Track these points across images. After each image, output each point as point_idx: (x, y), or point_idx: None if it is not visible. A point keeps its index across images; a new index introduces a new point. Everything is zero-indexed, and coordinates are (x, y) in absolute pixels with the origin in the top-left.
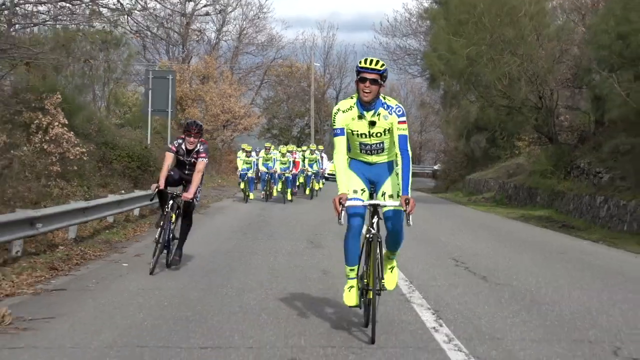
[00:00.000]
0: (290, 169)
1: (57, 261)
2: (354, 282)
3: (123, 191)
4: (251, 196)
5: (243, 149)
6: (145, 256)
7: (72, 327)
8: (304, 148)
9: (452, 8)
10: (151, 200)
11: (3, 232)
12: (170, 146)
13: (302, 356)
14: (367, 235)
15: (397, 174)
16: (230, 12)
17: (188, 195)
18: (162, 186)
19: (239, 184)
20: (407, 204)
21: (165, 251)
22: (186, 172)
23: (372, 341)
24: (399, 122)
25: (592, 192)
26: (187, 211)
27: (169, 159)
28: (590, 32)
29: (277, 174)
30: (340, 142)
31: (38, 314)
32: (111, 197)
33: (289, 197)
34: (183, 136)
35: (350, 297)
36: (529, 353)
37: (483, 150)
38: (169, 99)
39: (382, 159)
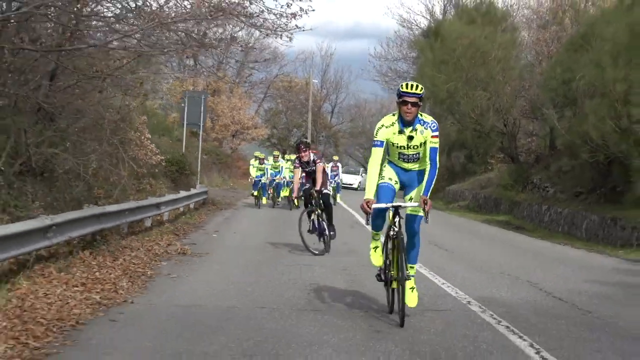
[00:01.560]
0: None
1: (175, 231)
2: (378, 243)
3: (183, 190)
4: (264, 201)
5: (256, 157)
6: (220, 232)
7: (220, 256)
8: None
9: (436, 50)
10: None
11: (143, 211)
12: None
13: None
14: (391, 233)
15: (425, 182)
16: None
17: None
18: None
19: (252, 192)
20: (425, 203)
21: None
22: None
23: (402, 324)
24: (432, 136)
25: (540, 202)
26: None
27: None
28: (543, 77)
29: (285, 181)
30: (377, 153)
31: (197, 252)
32: (183, 193)
33: (297, 203)
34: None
35: (376, 257)
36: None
37: (462, 165)
38: (201, 114)
39: (415, 166)
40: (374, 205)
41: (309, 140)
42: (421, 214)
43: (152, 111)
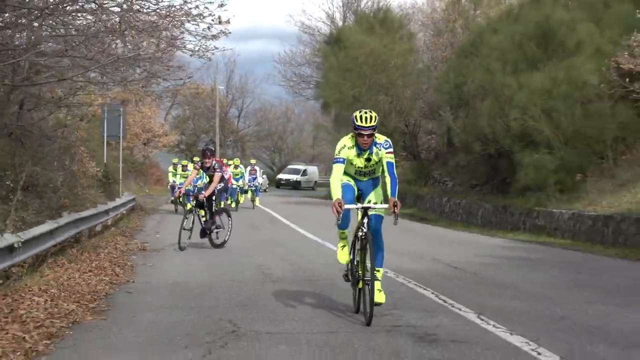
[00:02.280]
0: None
1: (122, 233)
2: (345, 242)
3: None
4: (188, 206)
5: (174, 164)
6: (160, 233)
7: (174, 251)
8: (230, 162)
9: (340, 58)
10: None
11: (99, 217)
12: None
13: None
14: (359, 234)
15: (380, 188)
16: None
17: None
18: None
19: (171, 198)
20: (394, 205)
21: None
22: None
23: (368, 324)
24: (387, 153)
25: (441, 195)
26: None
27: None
28: (439, 81)
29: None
30: (339, 169)
31: (154, 249)
32: (118, 201)
33: (233, 206)
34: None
35: (343, 255)
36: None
37: None
38: (121, 126)
39: (371, 177)
40: (346, 206)
41: (214, 148)
42: (383, 213)
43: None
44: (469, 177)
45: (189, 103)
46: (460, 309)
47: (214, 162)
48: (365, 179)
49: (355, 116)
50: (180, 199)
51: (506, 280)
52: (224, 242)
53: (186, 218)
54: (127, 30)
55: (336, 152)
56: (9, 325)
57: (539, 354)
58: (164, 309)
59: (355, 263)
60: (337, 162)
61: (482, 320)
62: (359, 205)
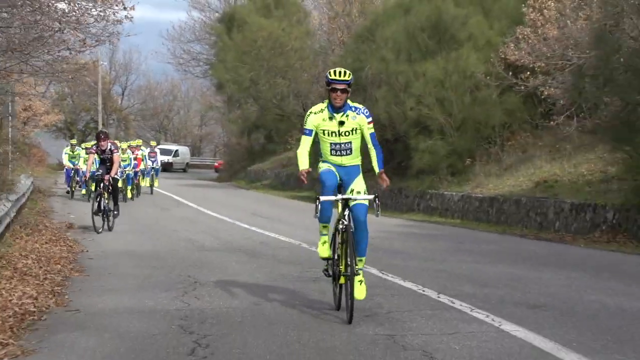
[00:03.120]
0: (132, 165)
1: (38, 213)
2: (326, 238)
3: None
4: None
5: (72, 145)
6: (72, 214)
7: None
8: (124, 145)
9: (237, 40)
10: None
11: (22, 198)
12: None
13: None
14: (340, 227)
15: (362, 176)
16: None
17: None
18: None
19: (75, 183)
20: (382, 179)
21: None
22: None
23: (350, 321)
24: (368, 122)
25: None
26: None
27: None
28: (336, 66)
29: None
30: (305, 141)
31: (80, 226)
32: (27, 183)
33: (129, 195)
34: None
35: (324, 250)
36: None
37: (262, 145)
38: (10, 105)
39: (351, 161)
40: (323, 198)
41: (106, 130)
42: (366, 202)
43: None
44: (365, 160)
45: (68, 80)
46: (366, 267)
47: (109, 144)
48: (345, 161)
49: (329, 72)
50: (86, 184)
51: (400, 248)
52: (113, 224)
53: (96, 201)
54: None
55: (304, 122)
56: (21, 279)
57: (423, 291)
58: (132, 267)
59: (336, 257)
60: (303, 133)
61: (383, 274)
62: (339, 196)
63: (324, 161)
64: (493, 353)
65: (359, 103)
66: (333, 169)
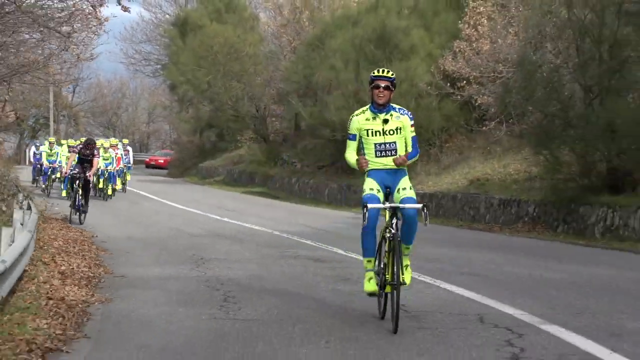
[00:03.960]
0: (114, 164)
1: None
2: (371, 274)
3: None
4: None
5: (50, 143)
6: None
7: (94, 220)
8: (106, 144)
9: (194, 45)
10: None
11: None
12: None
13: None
14: (387, 235)
15: (407, 176)
16: None
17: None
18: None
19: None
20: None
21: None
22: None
23: (395, 331)
24: (411, 125)
25: (290, 175)
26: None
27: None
28: (287, 71)
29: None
30: (351, 145)
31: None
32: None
33: (109, 193)
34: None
35: (371, 285)
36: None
37: (213, 143)
38: None
39: (394, 160)
40: (371, 205)
41: (94, 139)
42: (414, 196)
43: None
44: (316, 159)
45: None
46: (328, 247)
47: (94, 150)
48: (389, 162)
49: (373, 71)
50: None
51: (354, 235)
52: (85, 218)
53: (74, 198)
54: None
55: (347, 128)
56: (66, 255)
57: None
58: (142, 249)
59: (382, 266)
60: (348, 138)
61: (340, 250)
62: (387, 204)
63: (368, 174)
64: (436, 299)
65: (311, 106)
66: (375, 189)
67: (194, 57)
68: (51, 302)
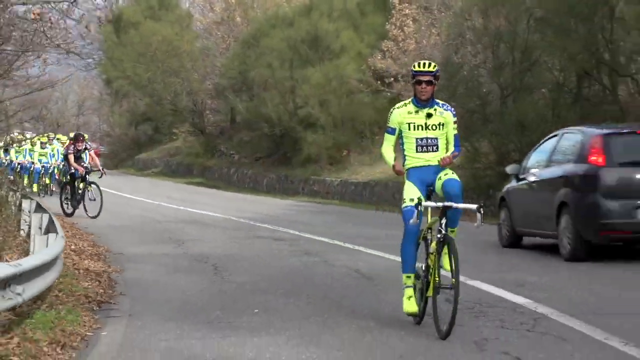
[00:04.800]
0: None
1: None
2: (411, 292)
3: None
4: (34, 188)
5: (41, 143)
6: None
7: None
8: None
9: (135, 44)
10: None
11: None
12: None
13: None
14: (438, 236)
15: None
16: None
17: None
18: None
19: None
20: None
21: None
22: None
23: (445, 337)
24: (454, 122)
25: (228, 166)
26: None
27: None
28: (224, 67)
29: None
30: (388, 139)
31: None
32: None
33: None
34: (72, 143)
35: (411, 305)
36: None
37: (148, 136)
38: None
39: (436, 159)
40: (425, 203)
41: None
42: (458, 179)
43: None
44: (253, 151)
45: None
46: (283, 229)
47: (85, 145)
48: (430, 158)
49: (414, 64)
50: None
51: (305, 220)
52: (99, 213)
53: (75, 194)
54: None
55: (387, 121)
56: (72, 237)
57: (312, 236)
58: (127, 234)
59: (424, 268)
60: (386, 132)
61: (294, 231)
62: (439, 203)
63: (409, 169)
64: (359, 261)
65: (247, 101)
66: (416, 198)
67: (133, 54)
68: (81, 271)
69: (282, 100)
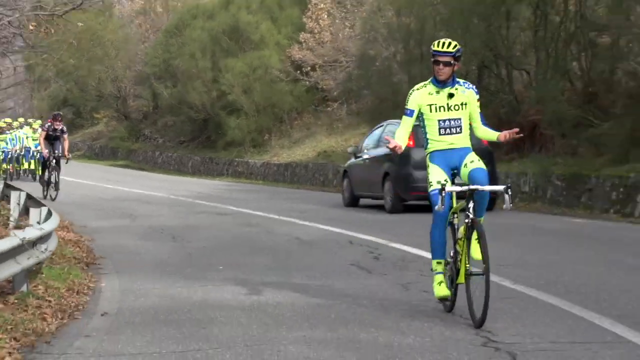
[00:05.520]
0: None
1: None
2: (441, 277)
3: None
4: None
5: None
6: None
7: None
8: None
9: (59, 33)
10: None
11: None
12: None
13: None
14: (466, 220)
15: (474, 152)
16: None
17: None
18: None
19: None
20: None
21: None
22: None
23: (481, 324)
24: (477, 100)
25: (153, 150)
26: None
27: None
28: (148, 56)
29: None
30: (406, 122)
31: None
32: None
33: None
34: (50, 121)
35: (442, 289)
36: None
37: (70, 120)
38: None
39: (461, 141)
40: (449, 188)
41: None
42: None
43: None
44: (177, 135)
45: None
46: (221, 205)
47: (61, 125)
48: (455, 141)
49: (433, 43)
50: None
51: (239, 197)
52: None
53: (49, 174)
54: None
55: (406, 103)
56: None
57: (250, 211)
58: (77, 209)
59: (452, 254)
60: (404, 114)
61: (232, 207)
62: (464, 187)
63: (431, 155)
64: (296, 230)
65: (171, 87)
66: (442, 180)
67: (58, 42)
68: (60, 240)
69: (206, 88)
